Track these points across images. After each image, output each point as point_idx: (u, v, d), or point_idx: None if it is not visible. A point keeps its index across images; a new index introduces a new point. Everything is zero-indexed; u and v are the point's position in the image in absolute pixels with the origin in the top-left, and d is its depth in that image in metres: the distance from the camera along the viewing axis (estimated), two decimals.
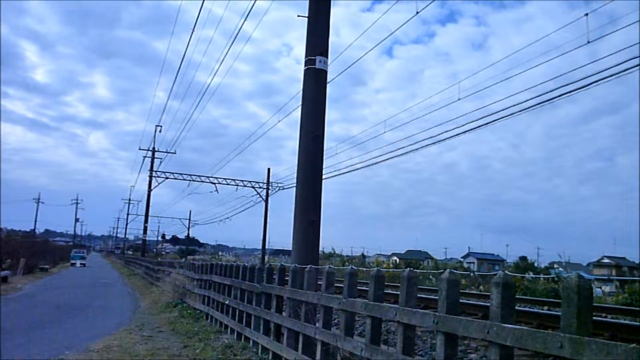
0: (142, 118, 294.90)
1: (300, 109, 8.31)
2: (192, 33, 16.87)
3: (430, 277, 23.74)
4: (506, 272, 3.18)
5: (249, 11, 11.29)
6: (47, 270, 35.87)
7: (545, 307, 13.09)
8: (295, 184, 8.34)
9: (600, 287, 31.13)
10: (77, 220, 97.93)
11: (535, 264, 44.55)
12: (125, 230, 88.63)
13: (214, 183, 42.42)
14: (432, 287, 19.17)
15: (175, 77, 50.50)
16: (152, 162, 45.56)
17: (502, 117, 13.28)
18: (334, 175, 23.40)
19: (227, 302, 9.70)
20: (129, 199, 74.69)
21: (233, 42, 15.91)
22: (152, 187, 44.76)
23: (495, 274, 3.13)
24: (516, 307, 3.69)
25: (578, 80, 10.93)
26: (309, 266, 6.36)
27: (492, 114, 13.73)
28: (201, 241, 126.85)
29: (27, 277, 27.59)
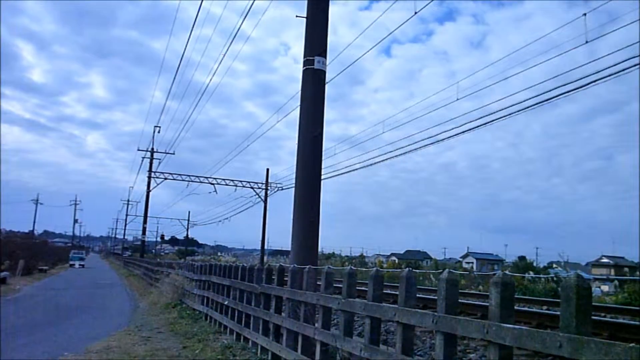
0: (140, 118, 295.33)
1: (299, 109, 8.31)
2: (190, 33, 16.87)
3: (431, 276, 23.72)
4: (506, 272, 3.18)
5: (248, 11, 11.28)
6: (46, 271, 35.82)
7: (545, 307, 13.10)
8: (294, 185, 8.34)
9: (599, 287, 31.17)
10: (75, 221, 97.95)
11: (534, 264, 44.57)
12: (124, 231, 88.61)
13: (213, 184, 42.48)
14: (431, 287, 19.17)
15: (174, 77, 50.59)
16: (150, 163, 45.56)
17: (501, 117, 13.31)
18: (333, 176, 23.46)
19: (226, 302, 9.70)
20: (128, 200, 74.79)
21: (232, 41, 15.94)
22: (151, 188, 44.78)
23: (494, 274, 3.13)
24: (515, 307, 3.69)
25: (577, 80, 10.95)
26: (308, 266, 6.36)
27: (491, 113, 13.77)
28: (200, 242, 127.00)
29: (26, 278, 27.54)
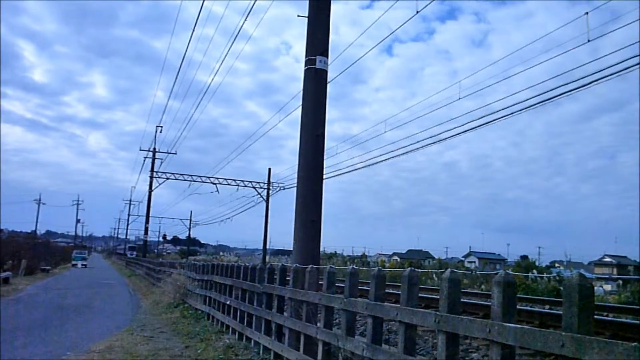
0: (142, 118, 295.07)
1: (300, 108, 8.32)
2: (192, 32, 16.89)
3: (434, 276, 23.65)
4: (508, 271, 3.18)
5: (249, 10, 11.29)
6: (49, 271, 35.90)
7: (547, 306, 13.08)
8: (296, 184, 8.35)
9: (602, 286, 31.11)
10: (78, 221, 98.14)
11: (537, 263, 44.50)
12: (127, 231, 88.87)
13: (215, 183, 42.55)
14: (433, 287, 19.15)
15: (176, 77, 50.54)
16: (152, 163, 45.70)
17: (503, 116, 13.29)
18: (335, 175, 23.42)
19: (228, 302, 9.71)
20: (130, 200, 74.75)
21: (234, 41, 15.94)
22: (153, 188, 44.87)
23: (496, 274, 3.13)
24: (517, 306, 3.70)
25: (579, 79, 10.92)
26: (310, 266, 6.36)
27: (493, 112, 13.74)
28: (202, 241, 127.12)
29: (28, 278, 27.62)
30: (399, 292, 4.21)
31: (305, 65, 8.16)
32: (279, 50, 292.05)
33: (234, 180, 42.64)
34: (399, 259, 64.77)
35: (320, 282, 6.33)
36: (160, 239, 74.96)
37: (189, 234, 64.55)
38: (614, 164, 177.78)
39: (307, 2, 8.40)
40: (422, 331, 8.80)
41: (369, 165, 21.16)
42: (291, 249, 8.22)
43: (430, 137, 16.56)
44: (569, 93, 11.30)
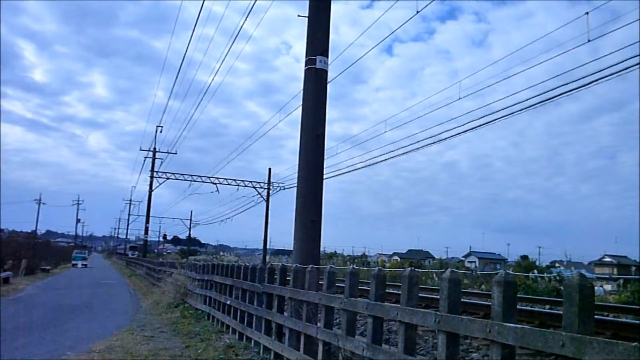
0: (142, 118, 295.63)
1: (300, 108, 8.32)
2: (192, 32, 16.89)
3: (434, 276, 23.61)
4: (508, 271, 3.18)
5: (250, 10, 11.29)
6: (49, 271, 35.93)
7: (547, 306, 13.07)
8: (296, 184, 8.35)
9: (602, 286, 31.08)
10: (78, 221, 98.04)
11: (537, 263, 44.45)
12: (127, 231, 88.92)
13: (215, 183, 42.54)
14: (433, 287, 19.14)
15: (176, 77, 50.56)
16: (152, 163, 45.70)
17: (504, 116, 13.28)
18: (335, 175, 23.42)
19: (228, 302, 9.71)
20: (130, 200, 74.77)
21: (234, 41, 15.94)
22: (153, 188, 44.88)
23: (497, 274, 3.13)
24: (518, 306, 3.70)
25: (580, 79, 10.92)
26: (310, 266, 6.36)
27: (493, 112, 13.74)
28: (202, 241, 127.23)
29: (29, 278, 27.63)
30: (399, 292, 4.21)
31: (305, 65, 8.16)
32: (279, 50, 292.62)
33: (234, 180, 42.67)
34: (399, 259, 64.81)
35: (320, 282, 6.33)
36: (161, 238, 74.98)
37: (189, 234, 64.60)
38: (614, 164, 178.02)
39: (307, 2, 8.40)
40: (422, 331, 8.80)
41: (369, 165, 21.17)
42: (291, 249, 8.22)
43: (430, 137, 16.56)
44: (569, 93, 11.30)
